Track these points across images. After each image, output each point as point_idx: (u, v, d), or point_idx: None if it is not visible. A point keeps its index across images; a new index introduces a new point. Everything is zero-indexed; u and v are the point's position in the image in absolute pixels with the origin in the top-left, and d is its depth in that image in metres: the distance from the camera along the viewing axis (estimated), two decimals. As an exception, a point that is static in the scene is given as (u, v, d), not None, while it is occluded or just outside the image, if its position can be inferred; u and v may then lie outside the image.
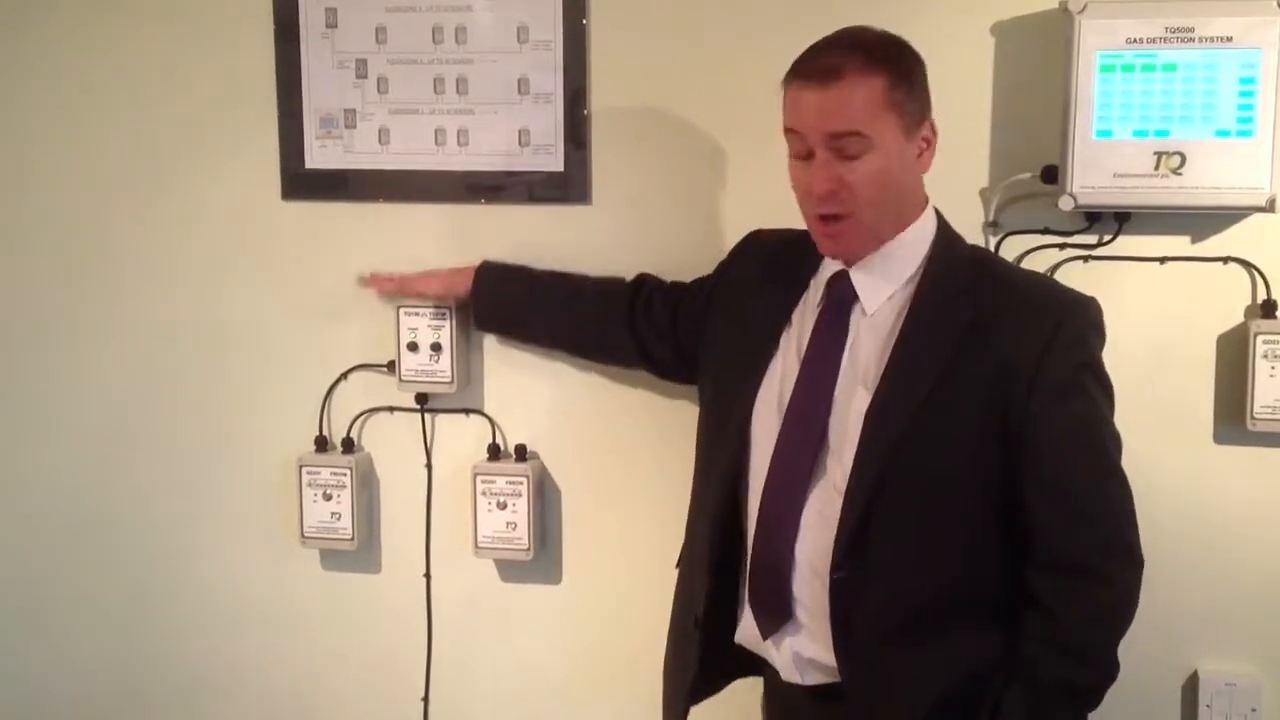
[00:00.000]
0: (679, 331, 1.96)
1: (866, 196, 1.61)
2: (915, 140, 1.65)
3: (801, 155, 1.63)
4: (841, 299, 1.70)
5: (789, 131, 1.64)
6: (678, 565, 1.90)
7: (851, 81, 1.58)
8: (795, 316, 1.75)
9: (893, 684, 1.62)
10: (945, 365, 1.60)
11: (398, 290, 2.14)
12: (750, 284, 1.83)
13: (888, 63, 1.61)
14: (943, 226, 1.72)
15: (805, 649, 1.67)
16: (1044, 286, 1.77)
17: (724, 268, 1.94)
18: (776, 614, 1.69)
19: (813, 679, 1.68)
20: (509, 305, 2.11)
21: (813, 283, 1.76)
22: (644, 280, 2.04)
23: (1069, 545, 1.60)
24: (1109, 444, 1.63)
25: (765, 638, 1.70)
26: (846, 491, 1.61)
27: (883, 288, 1.68)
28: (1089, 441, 1.62)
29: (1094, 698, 1.63)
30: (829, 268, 1.72)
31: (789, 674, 1.70)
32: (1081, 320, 1.63)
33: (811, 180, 1.61)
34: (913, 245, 1.68)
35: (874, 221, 1.64)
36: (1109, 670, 1.62)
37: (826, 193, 1.61)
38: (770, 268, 1.82)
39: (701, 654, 1.77)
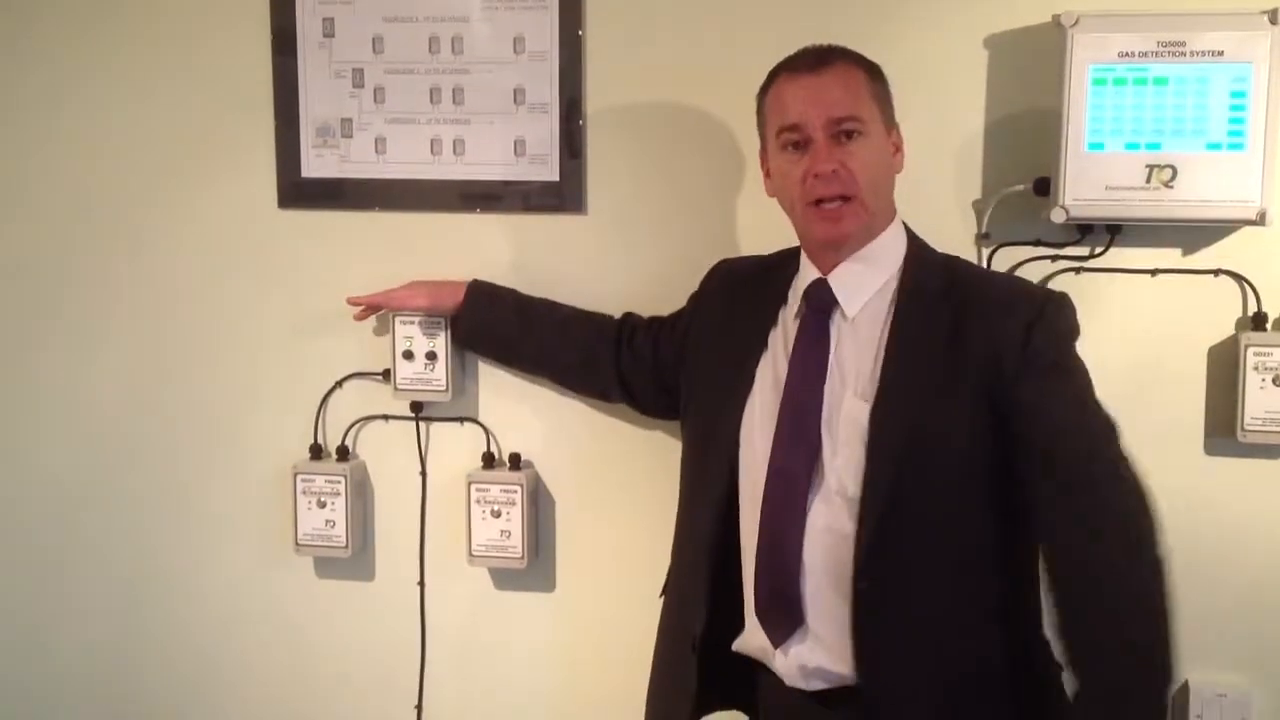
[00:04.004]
0: (658, 366, 1.99)
1: (865, 179, 1.66)
2: (891, 138, 1.72)
3: (795, 148, 1.67)
4: (821, 305, 1.72)
5: (783, 130, 1.68)
6: (662, 594, 1.89)
7: (842, 68, 1.68)
8: (775, 334, 1.76)
9: (911, 683, 1.63)
10: (937, 367, 1.63)
11: (383, 305, 2.14)
12: (723, 311, 1.86)
13: (863, 61, 1.71)
14: (912, 234, 1.76)
15: (811, 659, 1.67)
16: (1016, 284, 1.83)
17: (696, 299, 1.96)
18: (787, 623, 1.68)
19: (817, 685, 1.68)
20: (495, 327, 2.12)
21: (790, 296, 1.78)
22: (628, 318, 2.07)
23: (1063, 514, 1.60)
24: (1094, 420, 1.63)
25: (776, 646, 1.69)
26: (861, 502, 1.62)
27: (861, 292, 1.71)
28: (1075, 407, 1.63)
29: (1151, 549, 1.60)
30: (804, 279, 1.75)
31: (793, 680, 1.69)
32: (1057, 311, 1.67)
33: (814, 162, 1.65)
34: (887, 250, 1.72)
35: (873, 206, 1.69)
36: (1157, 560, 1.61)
37: (829, 173, 1.64)
38: (741, 292, 1.85)
39: (700, 677, 1.76)
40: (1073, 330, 1.69)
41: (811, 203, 1.67)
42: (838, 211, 1.66)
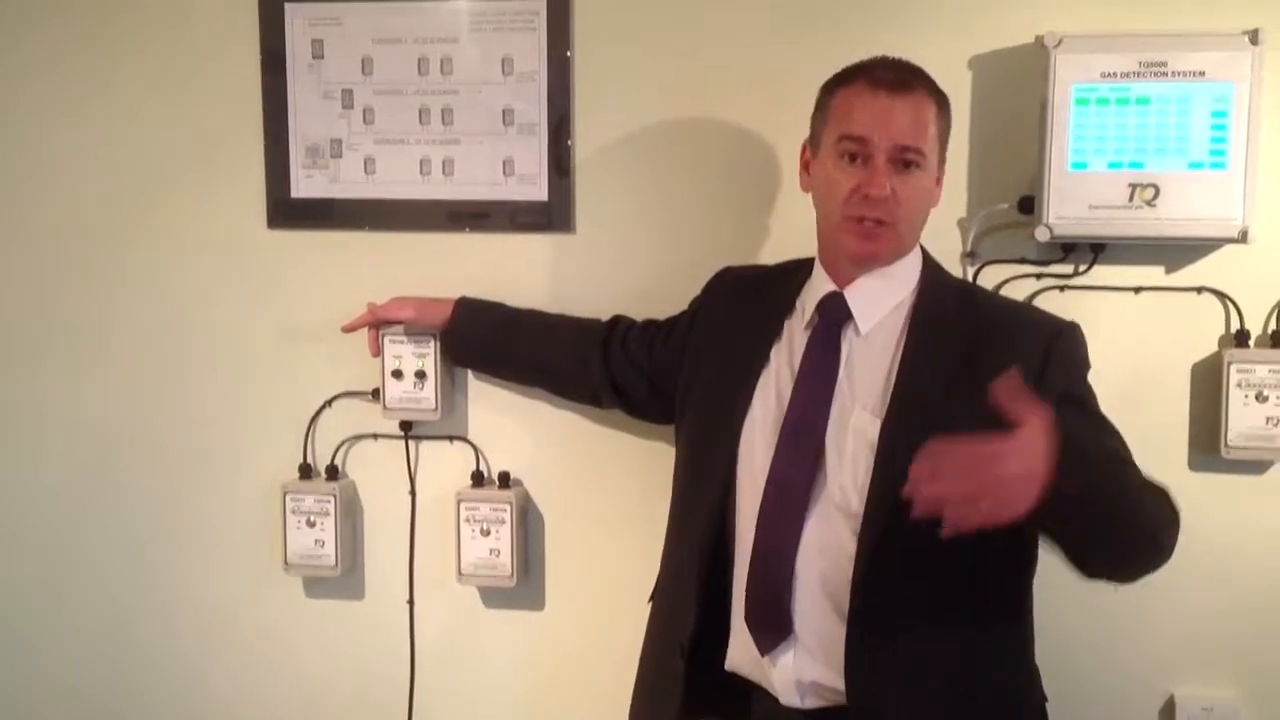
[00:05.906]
0: (654, 369, 1.98)
1: (908, 211, 1.67)
2: (937, 172, 1.72)
3: (852, 160, 1.66)
4: (834, 318, 1.72)
5: (845, 138, 1.66)
6: (650, 600, 1.89)
7: (920, 97, 1.67)
8: (778, 346, 1.76)
9: (900, 703, 1.63)
10: (951, 389, 1.63)
11: (373, 319, 2.14)
12: (726, 318, 1.86)
13: (938, 92, 1.70)
14: (928, 257, 1.77)
15: (807, 672, 1.66)
16: (1029, 313, 1.83)
17: (697, 304, 1.96)
18: (775, 630, 1.68)
19: (813, 702, 1.68)
20: (484, 341, 2.12)
21: (798, 305, 1.78)
22: (619, 320, 2.07)
23: None
24: (1120, 447, 1.65)
25: (764, 654, 1.69)
26: (864, 518, 1.62)
27: (876, 309, 1.71)
28: (1093, 429, 1.65)
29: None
30: (817, 291, 1.75)
31: (788, 698, 1.69)
32: (1070, 342, 1.69)
33: (870, 184, 1.64)
34: (905, 271, 1.73)
35: (906, 235, 1.70)
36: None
37: (882, 199, 1.64)
38: (745, 301, 1.85)
39: (686, 684, 1.75)
40: (1086, 360, 1.70)
41: (851, 216, 1.67)
42: (875, 230, 1.67)
